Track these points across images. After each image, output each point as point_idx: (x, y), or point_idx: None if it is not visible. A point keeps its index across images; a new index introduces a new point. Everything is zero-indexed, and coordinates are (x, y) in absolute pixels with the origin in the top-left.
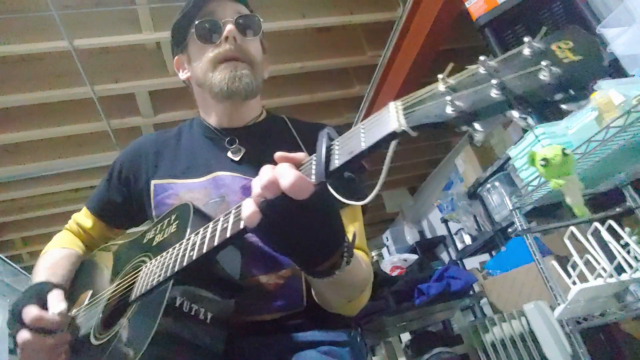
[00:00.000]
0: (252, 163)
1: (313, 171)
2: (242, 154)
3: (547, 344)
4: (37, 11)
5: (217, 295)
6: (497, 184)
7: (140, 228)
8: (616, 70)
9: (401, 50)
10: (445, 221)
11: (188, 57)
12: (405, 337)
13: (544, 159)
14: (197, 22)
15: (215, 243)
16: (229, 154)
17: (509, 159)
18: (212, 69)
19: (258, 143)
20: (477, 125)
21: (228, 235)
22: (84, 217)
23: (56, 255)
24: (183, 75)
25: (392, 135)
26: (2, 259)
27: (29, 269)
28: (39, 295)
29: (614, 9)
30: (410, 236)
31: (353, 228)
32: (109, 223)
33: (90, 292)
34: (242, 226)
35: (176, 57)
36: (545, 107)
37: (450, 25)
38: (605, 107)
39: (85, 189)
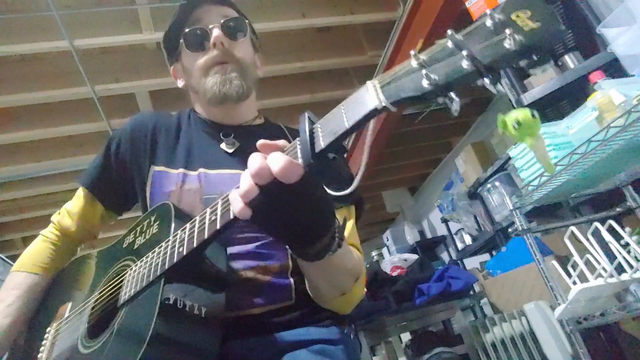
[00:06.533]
0: (247, 158)
1: (299, 154)
2: (235, 147)
3: (547, 344)
4: (37, 11)
5: (209, 289)
6: (497, 184)
7: (119, 233)
8: (616, 70)
9: (401, 50)
10: (445, 221)
11: (182, 65)
12: (406, 337)
13: (517, 122)
14: (185, 32)
15: (206, 236)
16: (223, 146)
17: (509, 158)
18: (204, 75)
19: (253, 141)
20: (452, 95)
21: (218, 226)
22: (75, 200)
23: (13, 288)
24: (180, 83)
25: (374, 112)
26: (2, 259)
27: None
28: None
29: (614, 9)
30: (411, 236)
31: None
32: (103, 200)
33: (69, 304)
34: (232, 216)
35: (172, 67)
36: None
37: (450, 25)
38: (605, 107)
39: None
